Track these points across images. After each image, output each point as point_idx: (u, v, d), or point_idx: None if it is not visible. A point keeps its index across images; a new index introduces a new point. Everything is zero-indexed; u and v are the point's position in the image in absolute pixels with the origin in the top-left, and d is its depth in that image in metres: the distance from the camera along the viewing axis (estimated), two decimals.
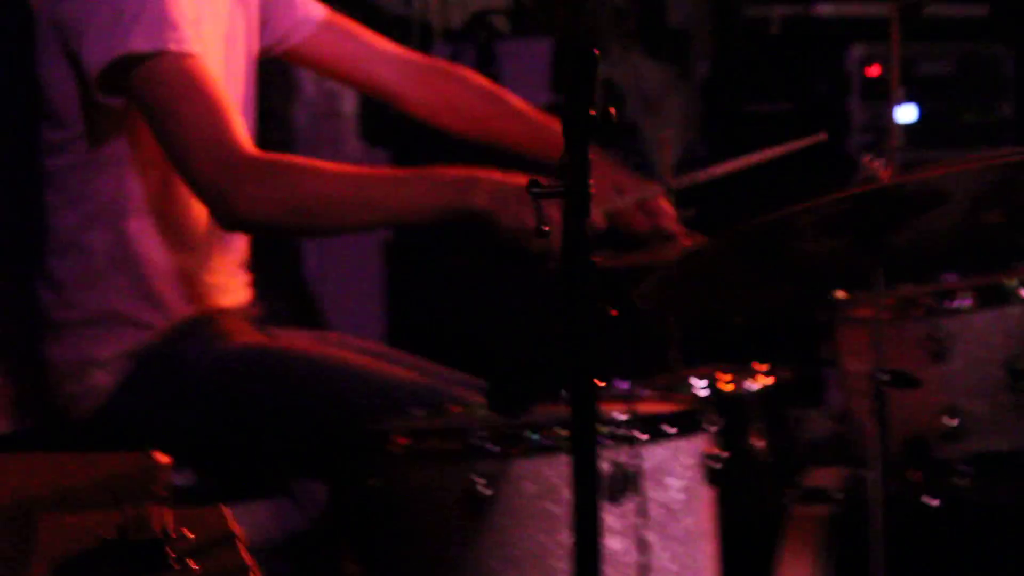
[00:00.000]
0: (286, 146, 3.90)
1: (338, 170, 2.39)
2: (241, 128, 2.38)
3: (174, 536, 1.62)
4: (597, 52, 1.57)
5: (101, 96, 2.41)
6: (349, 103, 4.30)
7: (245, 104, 2.59)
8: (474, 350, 3.39)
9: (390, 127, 4.37)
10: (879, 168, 2.34)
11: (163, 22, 2.35)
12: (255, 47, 2.66)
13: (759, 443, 2.62)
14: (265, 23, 2.69)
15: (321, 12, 2.77)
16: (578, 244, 1.64)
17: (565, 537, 2.03)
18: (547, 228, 1.75)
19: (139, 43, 2.35)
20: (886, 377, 2.31)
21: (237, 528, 1.72)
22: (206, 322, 2.53)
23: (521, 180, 2.25)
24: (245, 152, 2.34)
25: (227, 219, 2.37)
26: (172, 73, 2.36)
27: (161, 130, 2.37)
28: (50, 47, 2.45)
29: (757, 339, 3.19)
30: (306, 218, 2.36)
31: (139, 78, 2.36)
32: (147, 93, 2.37)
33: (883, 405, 2.31)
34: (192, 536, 1.65)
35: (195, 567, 1.59)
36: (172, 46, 2.35)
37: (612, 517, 2.07)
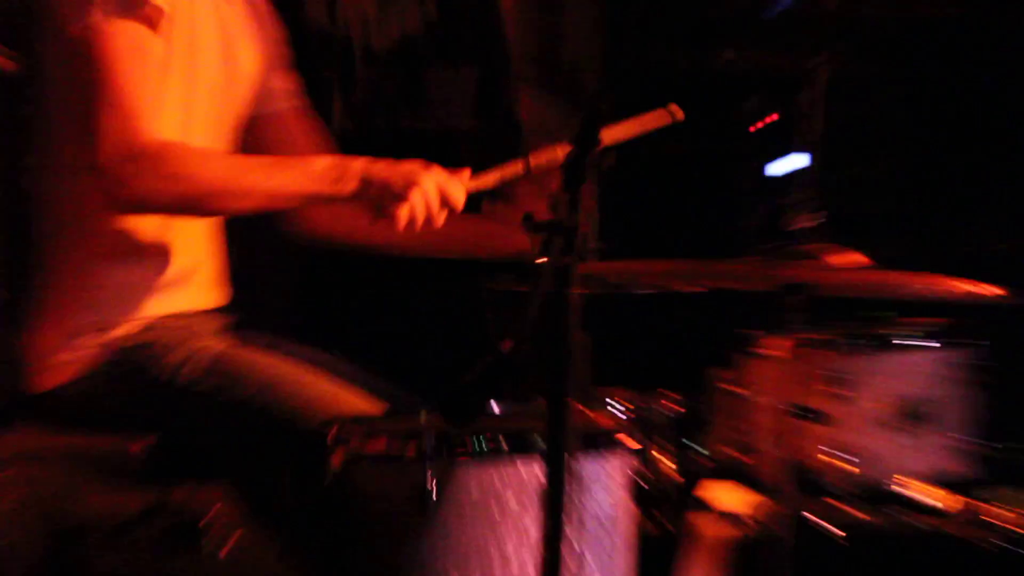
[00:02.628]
0: None
1: (221, 157, 2.55)
2: (148, 110, 2.44)
3: None
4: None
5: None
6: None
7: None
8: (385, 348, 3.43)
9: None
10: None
11: None
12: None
13: (668, 465, 2.78)
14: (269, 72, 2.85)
15: (301, 100, 2.92)
16: (562, 275, 1.82)
17: (504, 538, 2.20)
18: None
19: None
20: (795, 410, 2.56)
21: None
22: (169, 324, 2.64)
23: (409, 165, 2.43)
24: (141, 139, 2.41)
25: (117, 203, 2.46)
26: (108, 34, 2.45)
27: (81, 97, 2.45)
28: None
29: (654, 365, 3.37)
30: (188, 203, 2.46)
31: (82, 27, 2.44)
32: (84, 49, 2.45)
33: (792, 436, 2.55)
34: None
35: None
36: None
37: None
